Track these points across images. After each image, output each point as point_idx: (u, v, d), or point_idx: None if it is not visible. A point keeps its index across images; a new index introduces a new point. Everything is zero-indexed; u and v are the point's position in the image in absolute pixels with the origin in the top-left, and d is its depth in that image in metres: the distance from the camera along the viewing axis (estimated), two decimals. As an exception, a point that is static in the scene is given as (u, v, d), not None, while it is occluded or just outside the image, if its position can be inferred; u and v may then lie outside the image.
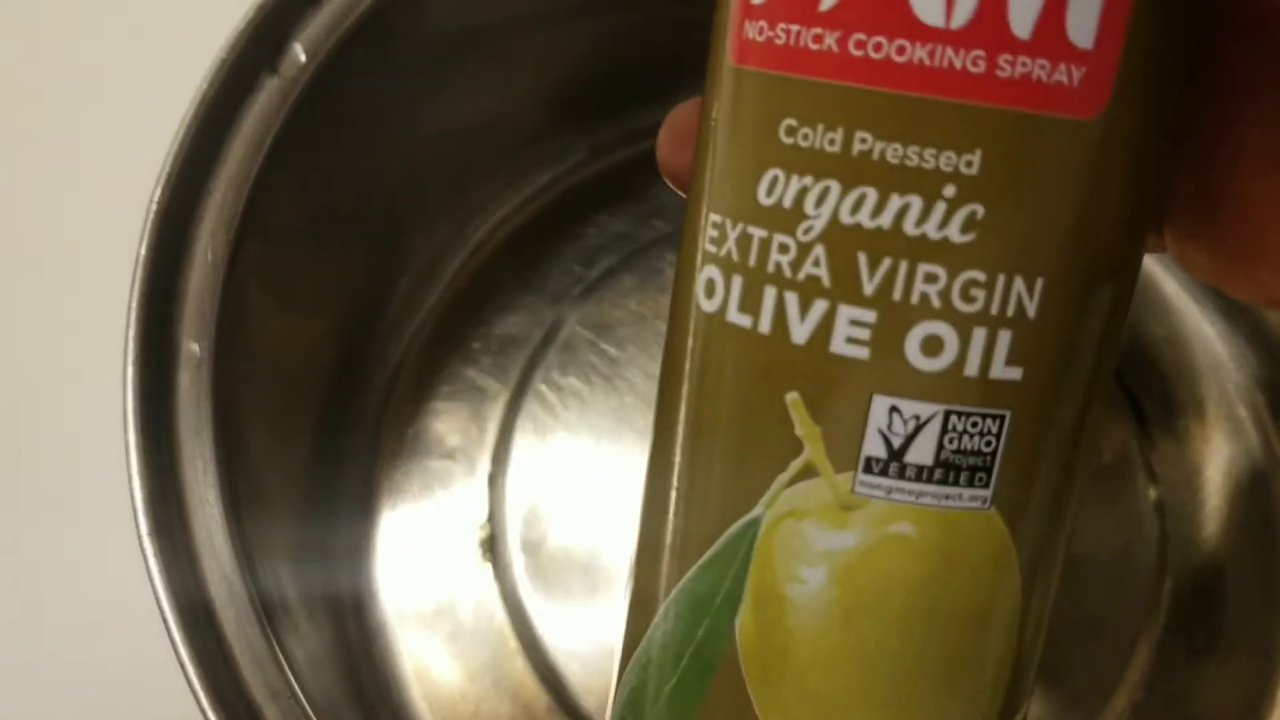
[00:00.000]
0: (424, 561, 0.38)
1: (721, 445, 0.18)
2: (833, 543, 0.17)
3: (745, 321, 0.17)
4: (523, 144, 0.43)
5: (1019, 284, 0.16)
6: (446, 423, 0.40)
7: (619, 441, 0.40)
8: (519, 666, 0.37)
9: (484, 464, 0.40)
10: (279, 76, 0.31)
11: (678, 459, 0.19)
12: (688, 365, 0.18)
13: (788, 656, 0.17)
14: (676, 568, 0.18)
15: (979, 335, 0.16)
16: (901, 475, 0.17)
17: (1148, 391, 0.41)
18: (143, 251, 0.28)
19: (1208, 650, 0.38)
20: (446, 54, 0.38)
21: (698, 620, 0.18)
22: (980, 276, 0.16)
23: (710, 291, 0.18)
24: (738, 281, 0.17)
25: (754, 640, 0.18)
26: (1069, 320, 0.17)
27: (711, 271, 0.18)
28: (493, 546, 0.38)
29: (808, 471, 0.17)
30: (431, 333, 0.42)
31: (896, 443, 0.17)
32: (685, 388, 0.18)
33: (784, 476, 0.17)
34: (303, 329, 0.37)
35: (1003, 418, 0.17)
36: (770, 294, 0.17)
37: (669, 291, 0.44)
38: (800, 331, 0.17)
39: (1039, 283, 0.16)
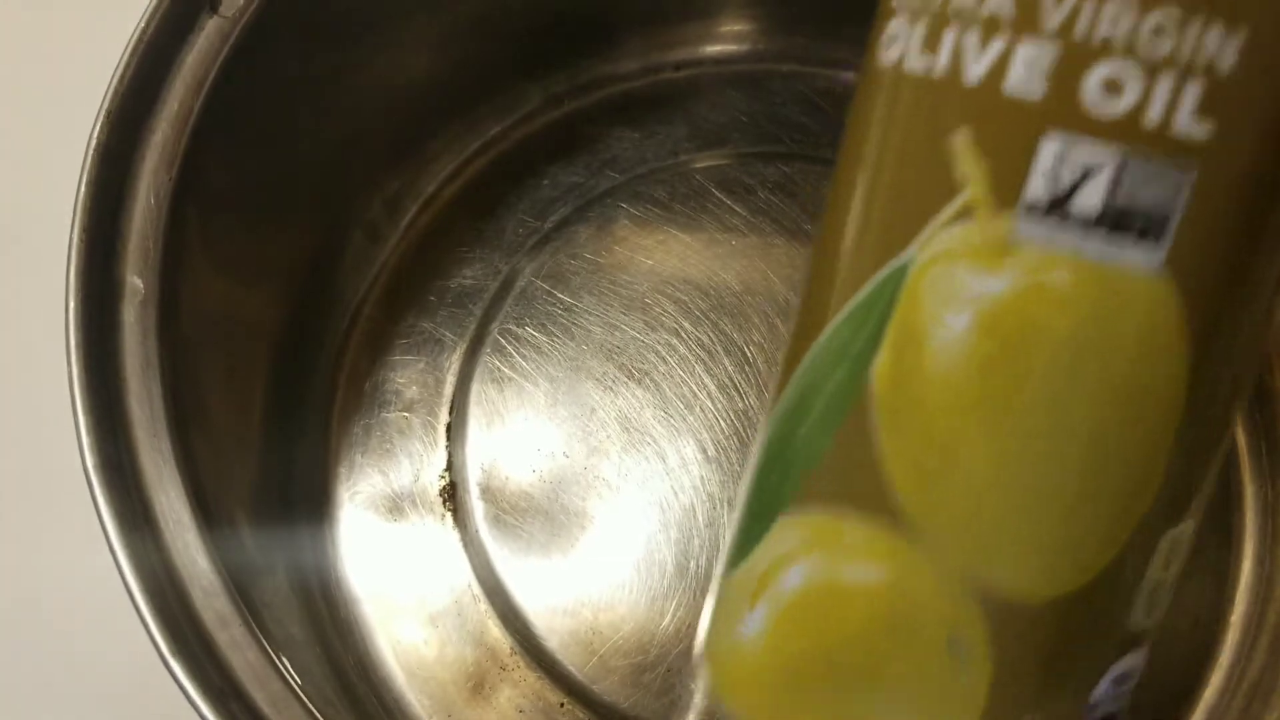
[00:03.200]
0: (385, 512, 0.38)
1: (884, 188, 0.17)
2: (981, 287, 0.16)
3: (921, 65, 0.17)
4: (474, 95, 0.43)
5: (1216, 30, 0.14)
6: (404, 375, 0.40)
7: (576, 390, 0.40)
8: (482, 611, 0.37)
9: (442, 415, 0.40)
10: (219, 16, 0.31)
11: (844, 209, 0.18)
12: (862, 120, 0.18)
13: (920, 402, 0.17)
14: (825, 313, 0.18)
15: (1164, 81, 0.15)
16: (1064, 222, 0.16)
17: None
18: (83, 188, 0.27)
19: (1161, 576, 0.38)
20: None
21: (837, 361, 0.18)
22: (1173, 16, 0.15)
23: (890, 42, 0.17)
24: (920, 26, 0.17)
25: (889, 384, 0.17)
26: (1273, 83, 0.15)
27: (894, 24, 0.17)
28: (453, 495, 0.38)
29: (966, 213, 0.16)
30: (386, 286, 0.41)
31: (1062, 188, 0.16)
32: (860, 144, 0.18)
33: (941, 217, 0.16)
34: (251, 281, 0.36)
35: (1183, 175, 0.15)
36: (950, 35, 0.16)
37: (624, 241, 0.44)
38: (975, 70, 0.16)
39: (1241, 32, 0.14)
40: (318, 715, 0.24)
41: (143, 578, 0.24)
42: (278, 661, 0.25)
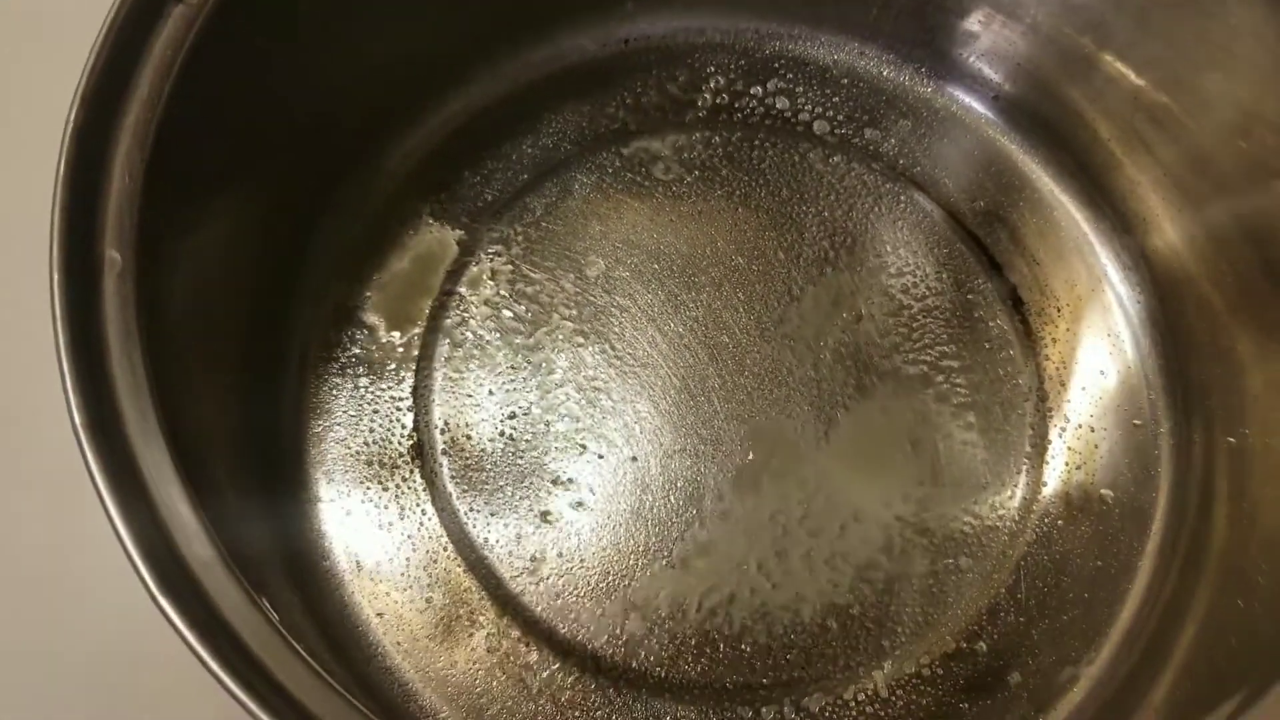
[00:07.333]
0: (357, 469, 0.40)
1: None
2: None
3: None
4: (432, 71, 0.45)
5: None
6: (371, 341, 0.42)
7: (535, 351, 0.42)
8: (449, 558, 0.39)
9: (408, 378, 0.42)
10: (184, 4, 0.32)
11: None
12: None
13: None
14: None
15: None
16: None
17: (1024, 280, 0.44)
18: (62, 168, 0.29)
19: (1084, 513, 0.41)
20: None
21: None
22: None
23: None
24: None
25: None
26: None
27: None
28: (420, 453, 0.40)
29: None
30: (352, 257, 0.43)
31: None
32: None
33: None
34: (224, 252, 0.38)
35: None
36: None
37: (578, 211, 0.46)
38: None
39: None
40: (301, 651, 0.27)
41: (128, 519, 0.26)
42: (260, 603, 0.27)
